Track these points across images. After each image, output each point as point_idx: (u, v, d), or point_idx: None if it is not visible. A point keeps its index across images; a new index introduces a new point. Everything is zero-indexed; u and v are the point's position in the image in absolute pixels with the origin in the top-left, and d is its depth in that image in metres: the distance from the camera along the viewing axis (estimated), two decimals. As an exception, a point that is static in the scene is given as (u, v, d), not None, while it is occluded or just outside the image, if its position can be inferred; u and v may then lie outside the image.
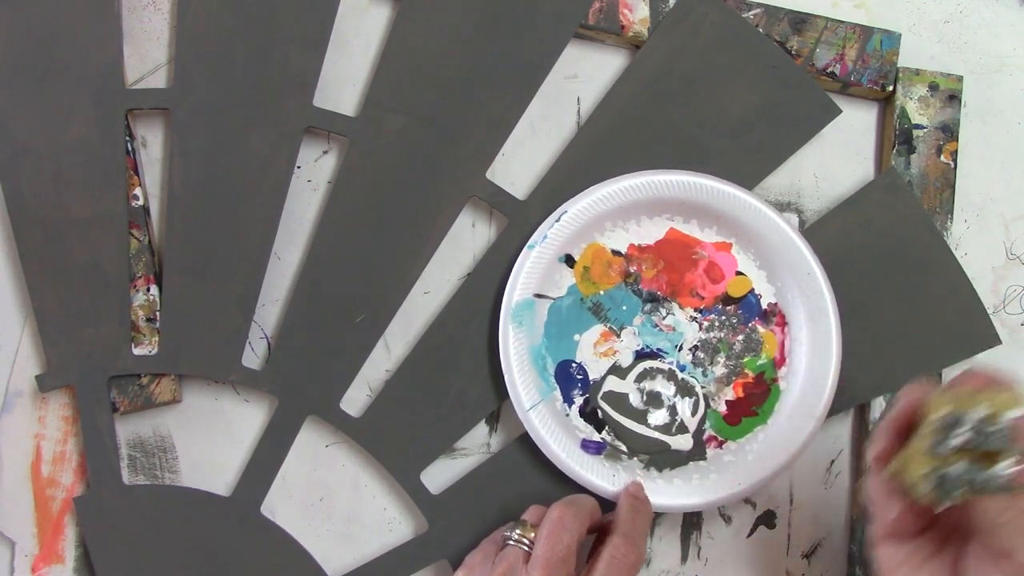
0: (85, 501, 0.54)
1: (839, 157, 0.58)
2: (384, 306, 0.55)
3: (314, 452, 0.56)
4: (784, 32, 0.57)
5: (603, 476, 0.52)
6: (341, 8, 0.57)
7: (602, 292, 0.55)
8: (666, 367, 0.54)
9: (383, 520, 0.56)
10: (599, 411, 0.54)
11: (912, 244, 0.55)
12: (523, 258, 0.54)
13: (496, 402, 0.55)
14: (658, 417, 0.54)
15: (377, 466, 0.56)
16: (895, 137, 0.56)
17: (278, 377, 0.55)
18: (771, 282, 0.55)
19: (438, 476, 0.55)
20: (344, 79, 0.58)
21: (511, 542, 0.47)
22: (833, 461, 0.56)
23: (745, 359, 0.54)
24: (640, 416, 0.54)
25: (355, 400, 0.56)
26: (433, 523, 0.55)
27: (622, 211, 0.54)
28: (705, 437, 0.54)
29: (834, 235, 0.56)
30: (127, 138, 0.56)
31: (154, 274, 0.55)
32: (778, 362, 0.54)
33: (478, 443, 0.56)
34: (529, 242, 0.54)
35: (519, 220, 0.56)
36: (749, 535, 0.56)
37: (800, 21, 0.57)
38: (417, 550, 0.55)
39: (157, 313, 0.55)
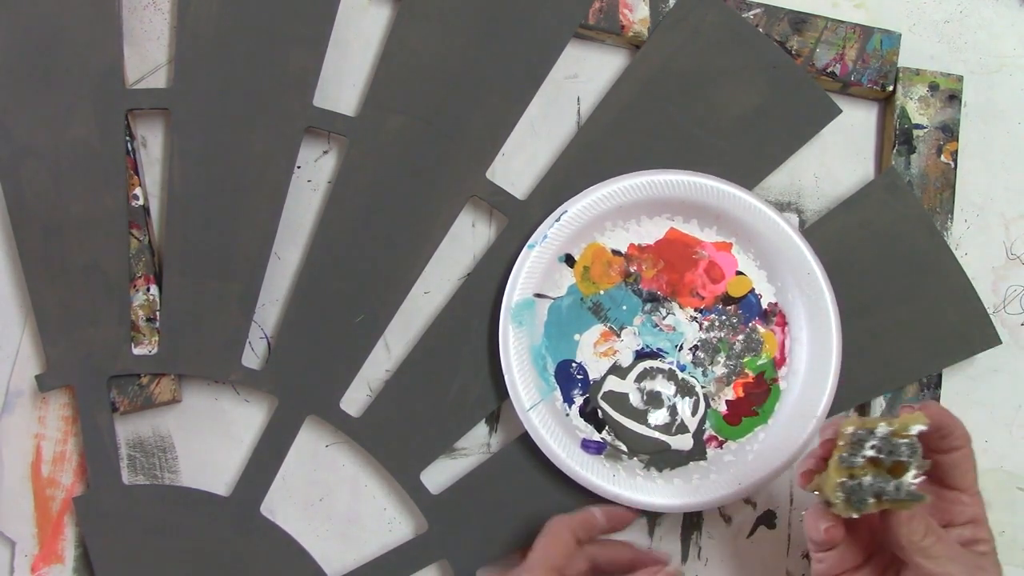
0: (85, 501, 0.54)
1: (839, 157, 0.58)
2: (384, 306, 0.55)
3: (314, 452, 0.56)
4: (784, 32, 0.57)
5: (603, 476, 0.52)
6: (341, 8, 0.57)
7: (602, 292, 0.55)
8: (666, 367, 0.54)
9: (383, 520, 0.56)
10: (599, 411, 0.54)
11: (912, 244, 0.55)
12: (523, 258, 0.53)
13: (496, 402, 0.55)
14: (658, 417, 0.54)
15: (377, 466, 0.56)
16: (895, 137, 0.56)
17: (278, 377, 0.55)
18: (771, 282, 0.55)
19: (438, 476, 0.55)
20: (344, 79, 0.58)
21: None
22: (833, 461, 0.56)
23: (745, 359, 0.54)
24: (640, 416, 0.54)
25: (355, 400, 0.56)
26: (433, 523, 0.55)
27: (622, 211, 0.54)
28: (705, 437, 0.54)
29: (834, 235, 0.56)
30: (127, 138, 0.56)
31: (154, 274, 0.55)
32: (778, 362, 0.54)
33: (478, 443, 0.56)
34: (529, 242, 0.54)
35: (519, 220, 0.56)
36: (749, 535, 0.56)
37: (800, 21, 0.57)
38: (417, 550, 0.55)
39: (157, 313, 0.55)
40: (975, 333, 0.55)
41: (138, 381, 0.55)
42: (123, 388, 0.55)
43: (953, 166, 0.56)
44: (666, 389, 0.54)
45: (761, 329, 0.55)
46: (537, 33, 0.57)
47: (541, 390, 0.53)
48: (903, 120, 0.56)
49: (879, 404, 0.55)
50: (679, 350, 0.54)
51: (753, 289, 0.55)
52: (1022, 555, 0.56)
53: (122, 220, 0.55)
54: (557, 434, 0.53)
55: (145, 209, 0.56)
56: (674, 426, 0.54)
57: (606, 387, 0.54)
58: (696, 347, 0.54)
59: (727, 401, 0.54)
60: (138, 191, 0.56)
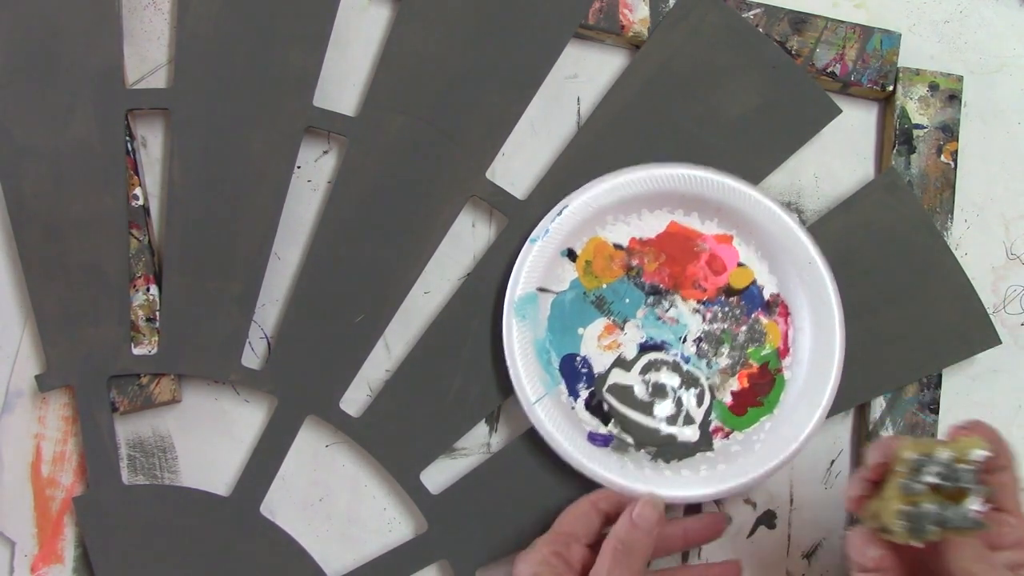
0: (85, 501, 0.54)
1: (839, 157, 0.58)
2: (384, 306, 0.55)
3: (314, 452, 0.56)
4: (784, 32, 0.57)
5: (611, 468, 0.52)
6: (341, 8, 0.57)
7: (604, 286, 0.55)
8: (670, 359, 0.54)
9: (383, 520, 0.56)
10: (605, 404, 0.54)
11: (912, 244, 0.55)
12: (525, 252, 0.54)
13: (496, 401, 0.55)
14: (664, 409, 0.54)
15: (377, 466, 0.56)
16: (895, 137, 0.56)
17: (278, 377, 0.55)
18: (773, 273, 0.55)
19: (438, 476, 0.55)
20: (344, 79, 0.58)
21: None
22: (833, 461, 0.56)
23: (749, 350, 0.54)
24: (646, 408, 0.54)
25: (355, 400, 0.56)
26: (433, 523, 0.55)
27: (623, 205, 0.54)
28: (712, 428, 0.54)
29: (834, 235, 0.56)
30: (127, 138, 0.56)
31: (154, 274, 0.55)
32: (782, 352, 0.54)
33: (478, 443, 0.56)
34: (531, 236, 0.54)
35: (519, 220, 0.56)
36: (749, 535, 0.56)
37: (800, 21, 0.57)
38: (417, 550, 0.55)
39: (157, 313, 0.55)
40: (975, 333, 0.55)
41: (138, 381, 0.55)
42: (123, 388, 0.55)
43: (953, 166, 0.56)
44: (671, 381, 0.54)
45: (764, 320, 0.55)
46: (537, 33, 0.57)
47: (546, 384, 0.53)
48: (903, 120, 0.56)
49: (879, 404, 0.55)
50: (683, 342, 0.55)
51: (755, 280, 0.55)
52: None
53: (122, 220, 0.55)
54: (563, 427, 0.53)
55: (145, 209, 0.56)
56: (680, 417, 0.54)
57: (611, 380, 0.54)
58: (700, 339, 0.55)
59: (732, 392, 0.54)
60: (138, 191, 0.56)
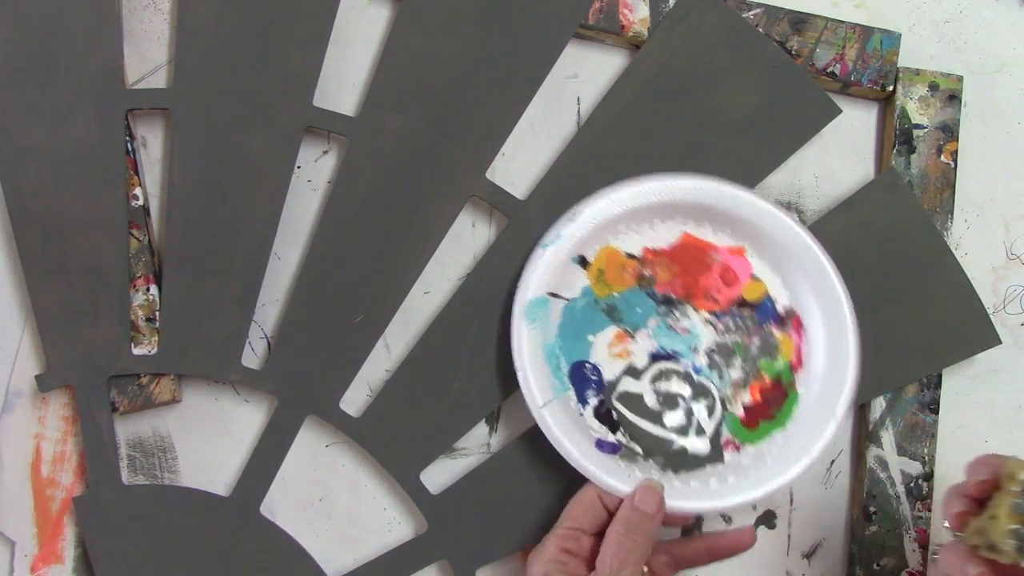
0: (84, 501, 0.54)
1: (839, 157, 0.58)
2: (384, 306, 0.55)
3: (314, 452, 0.56)
4: (784, 32, 0.57)
5: (618, 476, 0.51)
6: (341, 8, 0.57)
7: (616, 294, 0.54)
8: (682, 369, 0.54)
9: (383, 520, 0.56)
10: (614, 412, 0.54)
11: (912, 244, 0.55)
12: (537, 257, 0.53)
13: (496, 401, 0.55)
14: (674, 419, 0.54)
15: (377, 466, 0.56)
16: (895, 137, 0.56)
17: (278, 377, 0.55)
18: (786, 286, 0.54)
19: (438, 476, 0.55)
20: (344, 79, 0.58)
21: None
22: (833, 461, 0.56)
23: (761, 362, 0.54)
24: (656, 417, 0.54)
25: (355, 400, 0.56)
26: (433, 523, 0.55)
27: (636, 214, 0.54)
28: (723, 440, 0.53)
29: (834, 235, 0.55)
30: (127, 138, 0.56)
31: (154, 274, 0.55)
32: (795, 365, 0.54)
33: (478, 443, 0.56)
34: (543, 241, 0.53)
35: (519, 220, 0.56)
36: (749, 535, 0.56)
37: (800, 21, 0.57)
38: (417, 550, 0.55)
39: (157, 313, 0.55)
40: (975, 333, 0.55)
41: (138, 381, 0.55)
42: (123, 388, 0.55)
43: (953, 166, 0.56)
44: (682, 391, 0.54)
45: (777, 333, 0.54)
46: (537, 33, 0.57)
47: (555, 388, 0.53)
48: (903, 120, 0.56)
49: (879, 404, 0.55)
50: (695, 352, 0.54)
51: (768, 293, 0.54)
52: None
53: (122, 220, 0.55)
54: (571, 433, 0.52)
55: (145, 209, 0.56)
56: (691, 428, 0.53)
57: (621, 388, 0.54)
58: (712, 350, 0.54)
59: (744, 405, 0.54)
60: (138, 191, 0.56)
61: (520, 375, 0.52)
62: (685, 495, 0.52)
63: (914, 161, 0.56)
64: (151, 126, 0.58)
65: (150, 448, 0.56)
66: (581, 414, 0.53)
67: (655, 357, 0.54)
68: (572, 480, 0.52)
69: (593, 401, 0.53)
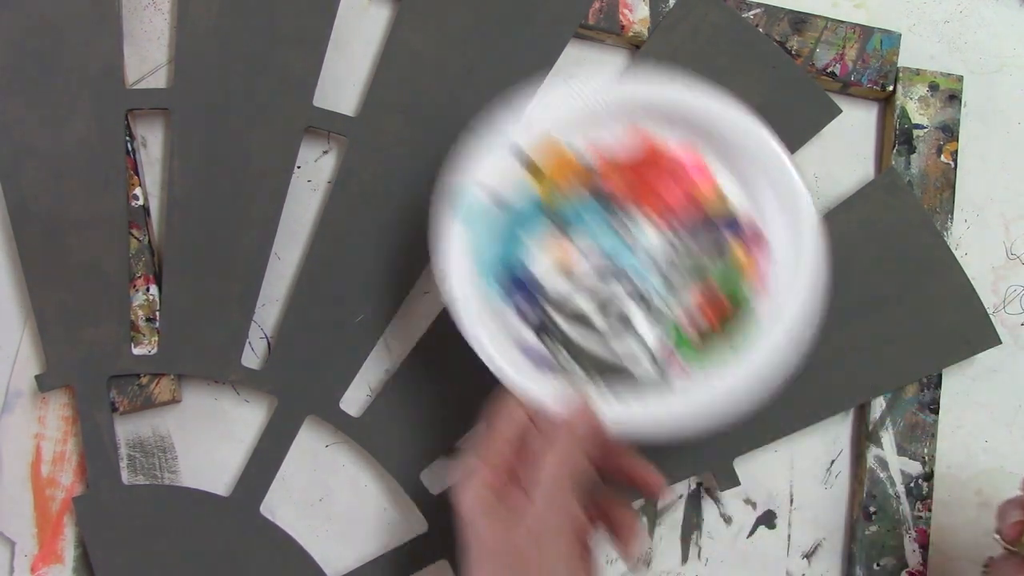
0: (84, 501, 0.54)
1: (839, 157, 0.58)
2: (384, 306, 0.55)
3: (314, 452, 0.56)
4: (784, 32, 0.57)
5: (545, 386, 0.46)
6: (341, 8, 0.57)
7: (563, 199, 0.48)
8: (629, 283, 0.48)
9: (383, 520, 0.56)
10: (550, 323, 0.48)
11: (912, 244, 0.55)
12: (475, 150, 0.48)
13: (496, 402, 0.55)
14: (612, 328, 0.48)
15: (377, 466, 0.56)
16: (895, 137, 0.56)
17: (278, 377, 0.55)
18: (750, 200, 0.48)
19: (438, 476, 0.55)
20: (344, 79, 0.58)
21: None
22: (833, 461, 0.56)
23: (717, 280, 0.48)
24: (591, 326, 0.48)
25: (355, 400, 0.56)
26: (433, 523, 0.55)
27: (590, 116, 0.48)
28: (669, 361, 0.47)
29: (834, 235, 0.55)
30: (127, 138, 0.56)
31: (154, 274, 0.55)
32: (753, 285, 0.48)
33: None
34: (488, 138, 0.48)
35: (519, 220, 0.56)
36: (749, 535, 0.56)
37: (800, 21, 0.57)
38: (417, 550, 0.55)
39: (157, 313, 0.55)
40: (975, 333, 0.55)
41: (138, 381, 0.55)
42: (123, 388, 0.55)
43: (953, 166, 0.56)
44: (628, 306, 0.48)
45: (736, 250, 0.48)
46: (537, 33, 0.57)
47: (478, 287, 0.47)
48: (903, 120, 0.56)
49: (879, 404, 0.55)
50: (641, 262, 0.48)
51: (729, 207, 0.48)
52: (1022, 555, 0.56)
53: (122, 220, 0.55)
54: (493, 334, 0.47)
55: (145, 209, 0.56)
56: (634, 346, 0.48)
57: (557, 295, 0.48)
58: (664, 264, 0.48)
59: (694, 323, 0.48)
60: (138, 191, 0.56)
61: (438, 269, 0.47)
62: (622, 417, 0.46)
63: (914, 161, 0.56)
64: (151, 126, 0.58)
65: (150, 448, 0.56)
66: (507, 317, 0.48)
67: (597, 264, 0.48)
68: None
69: (523, 306, 0.48)
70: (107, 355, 0.54)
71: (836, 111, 0.57)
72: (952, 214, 0.56)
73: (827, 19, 0.57)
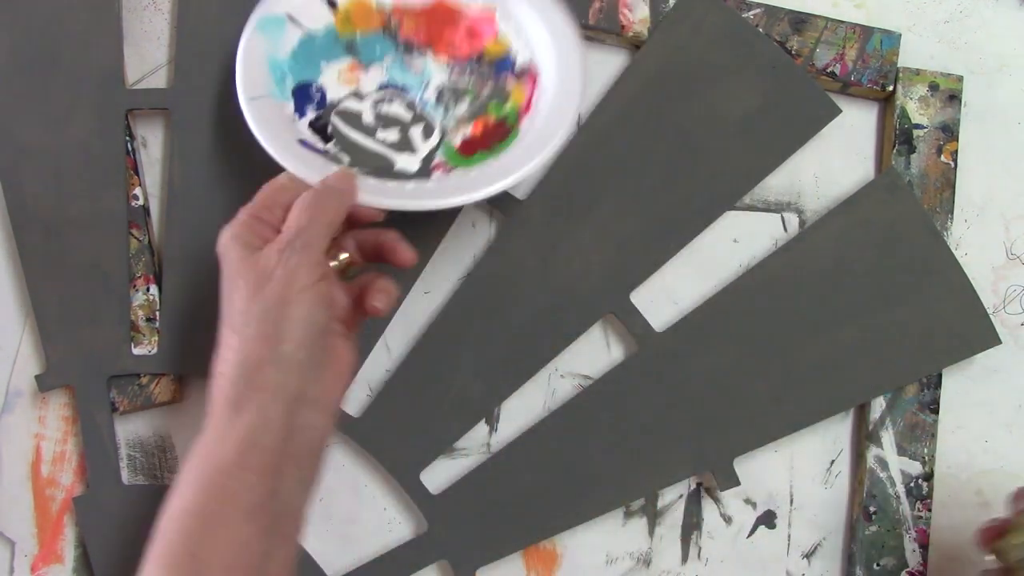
0: (84, 501, 0.54)
1: (839, 157, 0.58)
2: (384, 306, 0.55)
3: (314, 452, 0.56)
4: (784, 32, 0.57)
5: (318, 171, 0.49)
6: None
7: (359, 33, 0.55)
8: (407, 98, 0.55)
9: (383, 520, 0.56)
10: (329, 125, 0.53)
11: (912, 244, 0.55)
12: None
13: (497, 401, 0.55)
14: (388, 135, 0.54)
15: (377, 466, 0.56)
16: (895, 137, 0.56)
17: (278, 377, 0.55)
18: (528, 47, 0.55)
19: (438, 476, 0.55)
20: (344, 79, 0.58)
21: None
22: (833, 461, 0.56)
23: (490, 105, 0.55)
24: (369, 132, 0.54)
25: (355, 400, 0.56)
26: (433, 523, 0.54)
27: None
28: (433, 163, 0.53)
29: (834, 235, 0.56)
30: (127, 138, 0.56)
31: (154, 274, 0.55)
32: (523, 110, 0.54)
33: (478, 443, 0.56)
34: None
35: (519, 220, 0.56)
36: (749, 535, 0.56)
37: (800, 21, 0.57)
38: (417, 550, 0.55)
39: (157, 313, 0.55)
40: (975, 333, 0.55)
41: (138, 381, 0.55)
42: (123, 388, 0.55)
43: (953, 166, 0.56)
44: (402, 114, 0.54)
45: (511, 83, 0.55)
46: (537, 33, 0.57)
47: (271, 92, 0.52)
48: (903, 120, 0.56)
49: (879, 404, 0.55)
50: (425, 88, 0.55)
51: (510, 51, 0.55)
52: (1022, 555, 0.56)
53: (122, 220, 0.55)
54: (276, 131, 0.50)
55: (145, 209, 0.56)
56: (403, 146, 0.54)
57: (341, 105, 0.54)
58: (442, 88, 0.55)
59: (464, 137, 0.54)
60: (138, 191, 0.56)
61: (236, 71, 0.52)
62: (379, 192, 0.49)
63: (914, 161, 0.56)
64: (151, 126, 0.58)
65: (150, 448, 0.56)
66: (294, 121, 0.52)
67: (384, 87, 0.55)
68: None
69: (311, 114, 0.53)
70: (107, 355, 0.54)
71: (836, 111, 0.57)
72: (952, 214, 0.56)
73: (827, 19, 0.57)
